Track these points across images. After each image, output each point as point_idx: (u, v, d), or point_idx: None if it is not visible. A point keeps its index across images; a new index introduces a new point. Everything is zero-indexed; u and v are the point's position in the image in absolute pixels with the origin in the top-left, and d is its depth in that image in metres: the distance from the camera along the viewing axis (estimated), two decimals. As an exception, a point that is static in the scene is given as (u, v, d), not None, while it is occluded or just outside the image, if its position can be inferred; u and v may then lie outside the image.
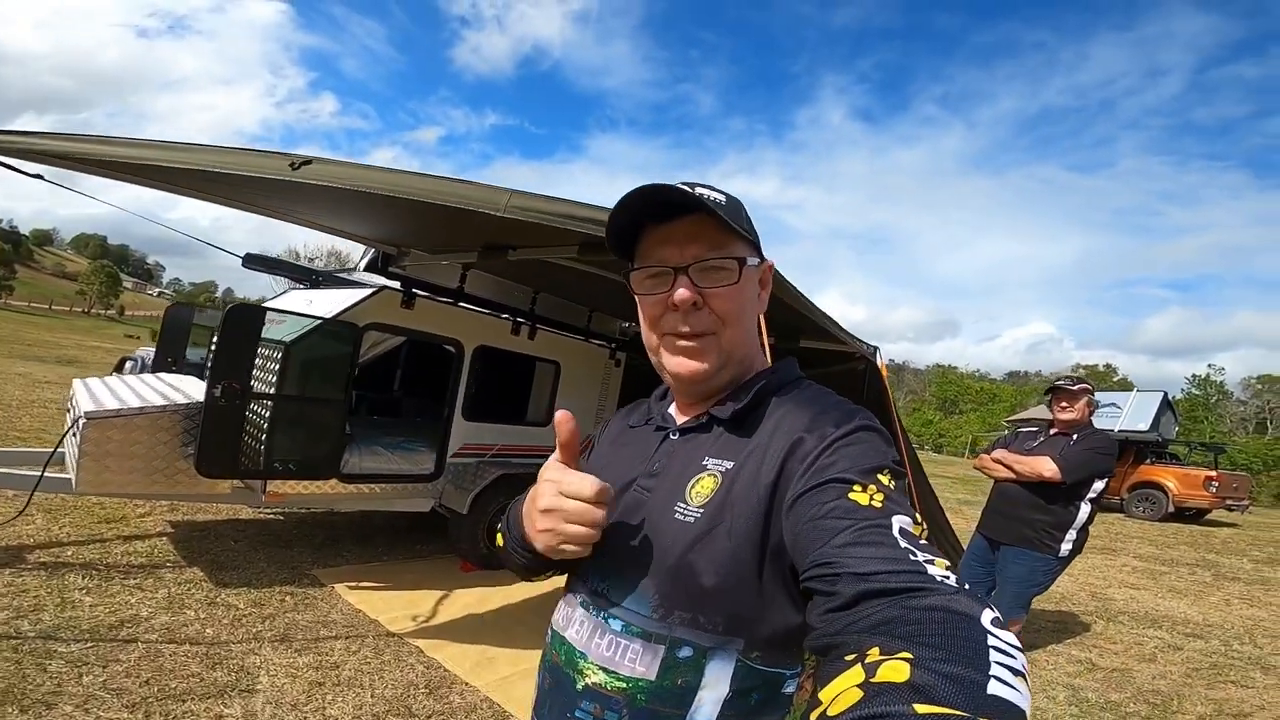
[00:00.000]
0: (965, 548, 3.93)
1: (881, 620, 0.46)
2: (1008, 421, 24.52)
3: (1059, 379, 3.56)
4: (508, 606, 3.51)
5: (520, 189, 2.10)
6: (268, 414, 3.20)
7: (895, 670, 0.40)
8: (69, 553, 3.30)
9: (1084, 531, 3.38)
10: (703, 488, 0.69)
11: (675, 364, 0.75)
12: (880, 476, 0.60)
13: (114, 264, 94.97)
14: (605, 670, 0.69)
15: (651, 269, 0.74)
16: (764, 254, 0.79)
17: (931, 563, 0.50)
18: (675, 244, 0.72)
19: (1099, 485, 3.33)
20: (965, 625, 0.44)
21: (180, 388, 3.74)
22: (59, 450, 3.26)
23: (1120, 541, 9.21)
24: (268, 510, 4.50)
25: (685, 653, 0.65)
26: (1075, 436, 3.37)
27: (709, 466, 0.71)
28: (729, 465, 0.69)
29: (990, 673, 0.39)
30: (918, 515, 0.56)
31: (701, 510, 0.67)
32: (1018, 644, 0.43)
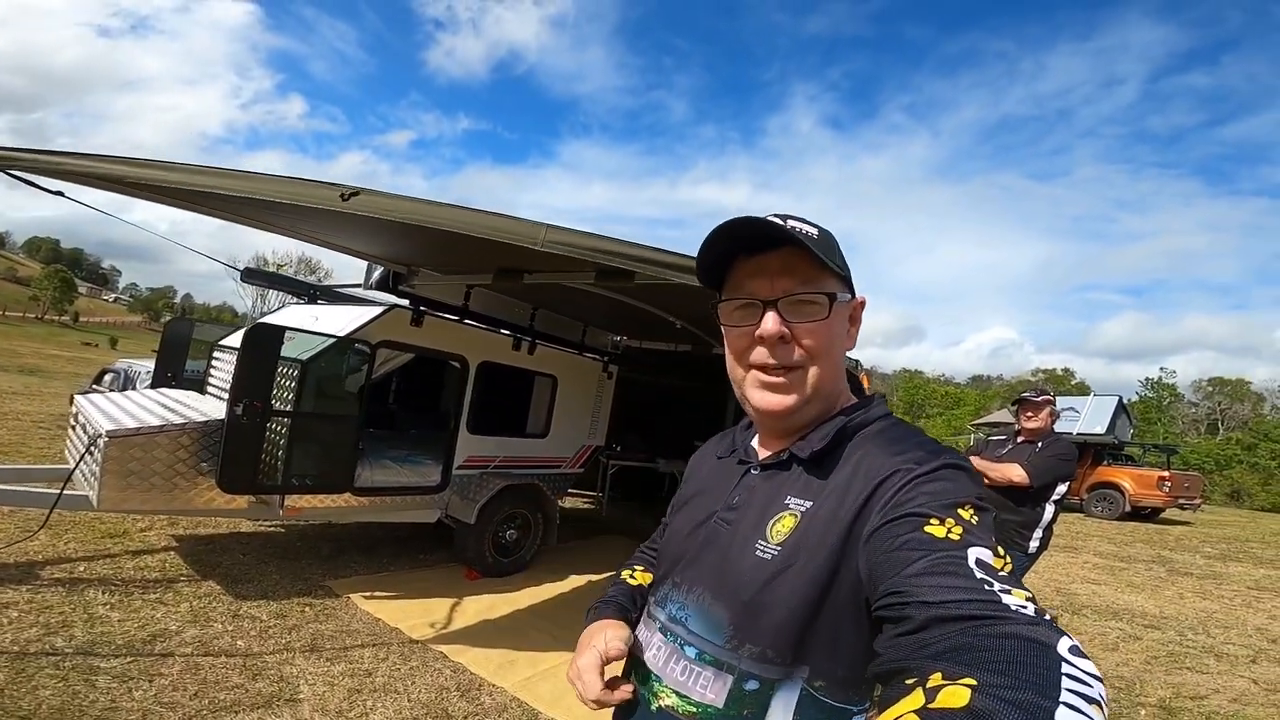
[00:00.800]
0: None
1: (949, 647, 0.45)
2: (973, 425, 25.37)
3: (1024, 392, 3.88)
4: (518, 612, 3.65)
5: (555, 224, 2.27)
6: (285, 430, 3.30)
7: (955, 696, 0.40)
8: (81, 568, 3.33)
9: (1049, 530, 3.69)
10: (783, 526, 0.70)
11: (759, 398, 0.75)
12: (961, 511, 0.59)
13: (68, 268, 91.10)
14: (678, 694, 0.72)
15: (740, 300, 0.74)
16: (854, 289, 0.79)
17: (1008, 592, 0.49)
18: (766, 277, 0.73)
19: (1062, 488, 3.64)
20: (1038, 652, 0.42)
21: (188, 404, 3.79)
22: (61, 467, 3.31)
23: (1081, 540, 9.68)
24: (269, 523, 4.55)
25: (752, 685, 0.68)
26: (1040, 444, 3.69)
27: (791, 506, 0.71)
28: (809, 505, 0.70)
29: (1060, 699, 0.38)
30: (1000, 549, 0.56)
31: (780, 548, 0.69)
32: (1096, 673, 0.42)
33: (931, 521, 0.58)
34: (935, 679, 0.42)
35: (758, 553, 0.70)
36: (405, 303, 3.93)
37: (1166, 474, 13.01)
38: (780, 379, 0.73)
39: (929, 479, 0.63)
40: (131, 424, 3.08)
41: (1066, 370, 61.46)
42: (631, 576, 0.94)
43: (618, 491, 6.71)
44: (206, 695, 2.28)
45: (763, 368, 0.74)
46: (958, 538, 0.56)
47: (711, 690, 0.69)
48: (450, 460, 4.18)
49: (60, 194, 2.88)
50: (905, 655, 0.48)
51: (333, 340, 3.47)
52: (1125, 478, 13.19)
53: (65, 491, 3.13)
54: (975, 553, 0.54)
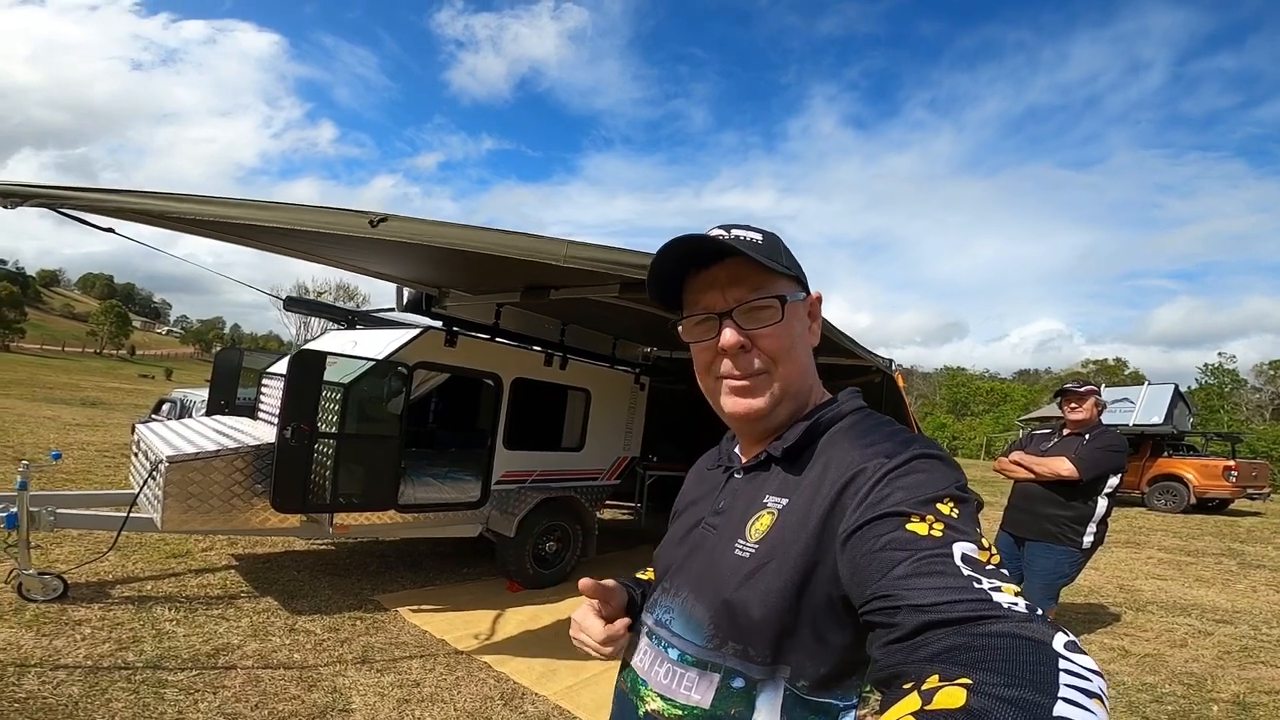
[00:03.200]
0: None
1: (944, 649, 0.45)
2: (1021, 421, 24.49)
3: (1067, 383, 3.77)
4: (559, 622, 3.70)
5: (576, 240, 2.33)
6: (331, 451, 3.44)
7: (952, 696, 0.40)
8: (149, 587, 3.53)
9: (1103, 524, 3.56)
10: (761, 525, 0.71)
11: (731, 404, 0.76)
12: (940, 505, 0.58)
13: (122, 303, 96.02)
14: (663, 698, 0.71)
15: (698, 316, 0.76)
16: (808, 286, 0.80)
17: (999, 589, 0.49)
18: (717, 289, 0.74)
19: (1114, 481, 3.51)
20: (1033, 650, 0.42)
21: (241, 429, 3.98)
22: (127, 492, 3.52)
23: (1144, 535, 9.25)
24: (321, 541, 4.72)
25: (738, 683, 0.67)
26: (1087, 436, 3.57)
27: (768, 504, 0.73)
28: (785, 502, 0.71)
29: (1059, 695, 0.39)
30: (984, 540, 0.55)
31: (757, 546, 0.70)
32: (1095, 668, 0.42)
33: (912, 519, 0.57)
34: (931, 681, 0.43)
35: (737, 552, 0.71)
36: (439, 324, 4.05)
37: (1232, 463, 12.33)
38: (748, 383, 0.75)
39: (903, 472, 0.63)
40: (190, 449, 3.26)
41: (1119, 360, 58.82)
42: (643, 573, 0.97)
43: (656, 501, 6.72)
44: (266, 706, 2.39)
45: (729, 377, 0.76)
46: (940, 534, 0.55)
47: (697, 691, 0.69)
48: (488, 476, 4.26)
49: (111, 230, 3.01)
50: (901, 660, 0.48)
51: (372, 364, 3.61)
52: (1188, 469, 12.54)
53: (131, 514, 3.32)
54: (960, 548, 0.53)
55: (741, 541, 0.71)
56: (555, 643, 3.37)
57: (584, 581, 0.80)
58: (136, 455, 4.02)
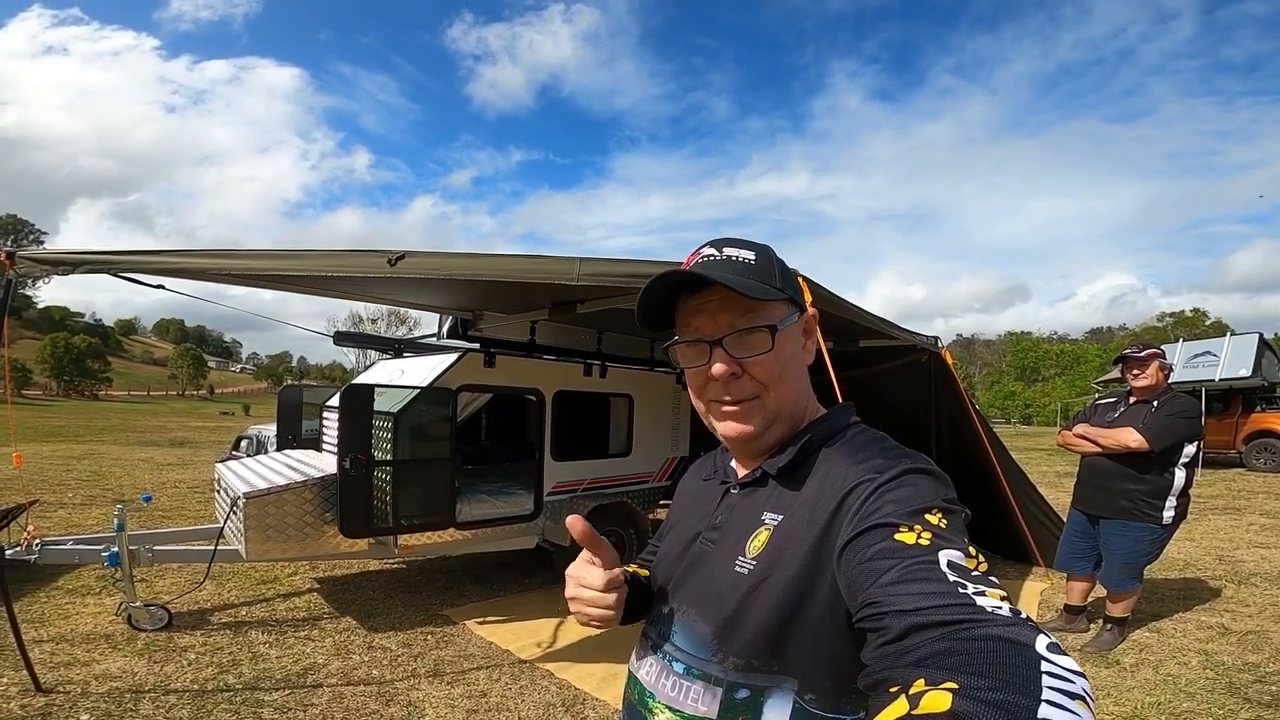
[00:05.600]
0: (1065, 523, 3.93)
1: (930, 653, 0.46)
2: (1097, 384, 23.04)
3: (1125, 348, 3.56)
4: (618, 628, 3.76)
5: (588, 256, 2.40)
6: (389, 477, 3.63)
7: (937, 700, 0.41)
8: (243, 612, 3.82)
9: (1184, 497, 3.36)
10: (759, 541, 0.73)
11: (724, 428, 0.78)
12: (928, 516, 0.60)
13: (195, 345, 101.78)
14: (671, 709, 0.73)
15: (688, 340, 0.77)
16: (803, 304, 0.80)
17: (983, 594, 0.51)
18: (708, 314, 0.75)
19: (1190, 449, 3.31)
20: (1017, 653, 0.43)
21: (308, 462, 4.25)
22: (215, 526, 3.83)
23: (1244, 499, 8.62)
24: (393, 561, 4.97)
25: (742, 694, 0.69)
26: (1156, 403, 3.37)
27: (766, 521, 0.74)
28: (781, 518, 0.73)
29: (1042, 698, 0.39)
30: (972, 549, 0.57)
31: (756, 562, 0.71)
32: (1077, 668, 0.43)
33: (900, 529, 0.59)
34: (918, 685, 0.43)
35: (737, 568, 0.73)
36: (476, 346, 4.21)
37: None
38: (739, 409, 0.76)
39: (893, 486, 0.65)
40: (263, 485, 3.52)
41: (1197, 311, 54.55)
42: (632, 566, 0.97)
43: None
44: (350, 721, 2.57)
45: (720, 401, 0.77)
46: (927, 543, 0.57)
47: (703, 703, 0.71)
48: (540, 488, 4.39)
49: (161, 287, 3.14)
50: (888, 665, 0.49)
51: (417, 391, 3.79)
52: (1286, 423, 11.57)
53: (219, 548, 3.61)
54: (946, 556, 0.55)
55: (741, 558, 0.73)
56: (614, 648, 3.44)
57: (574, 519, 0.78)
58: (218, 493, 4.35)
